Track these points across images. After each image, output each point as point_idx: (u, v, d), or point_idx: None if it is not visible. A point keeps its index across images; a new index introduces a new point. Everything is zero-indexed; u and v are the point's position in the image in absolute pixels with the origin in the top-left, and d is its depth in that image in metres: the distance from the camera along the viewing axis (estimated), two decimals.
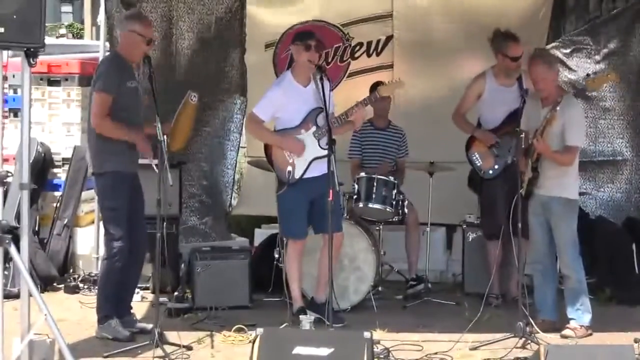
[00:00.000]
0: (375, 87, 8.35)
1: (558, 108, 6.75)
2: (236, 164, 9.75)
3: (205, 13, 9.18)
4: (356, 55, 9.60)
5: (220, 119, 9.46)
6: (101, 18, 8.92)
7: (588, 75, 7.15)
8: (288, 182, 7.17)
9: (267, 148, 7.30)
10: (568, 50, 9.04)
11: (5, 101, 8.05)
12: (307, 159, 7.13)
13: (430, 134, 8.99)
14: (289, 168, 7.16)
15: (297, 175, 7.15)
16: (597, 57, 8.95)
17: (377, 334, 6.53)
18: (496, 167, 7.89)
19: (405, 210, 8.04)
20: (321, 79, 7.04)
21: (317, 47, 7.18)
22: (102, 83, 6.67)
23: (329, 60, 9.40)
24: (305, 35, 7.35)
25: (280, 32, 9.46)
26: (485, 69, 8.07)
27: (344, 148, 8.38)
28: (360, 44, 9.58)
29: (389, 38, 9.53)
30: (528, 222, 6.98)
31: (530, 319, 6.67)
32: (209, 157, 9.45)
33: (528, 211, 7.01)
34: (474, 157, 7.97)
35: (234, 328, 6.83)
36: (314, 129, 7.12)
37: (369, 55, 9.59)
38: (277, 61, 9.50)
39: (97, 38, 10.39)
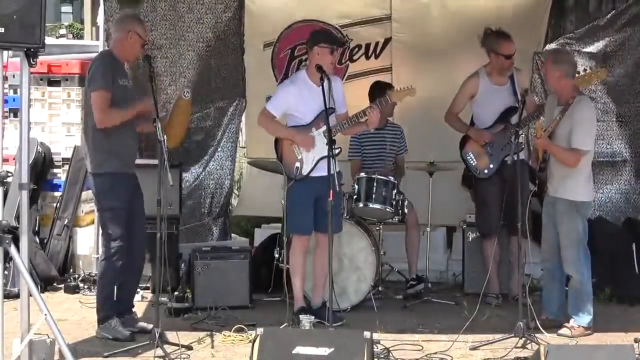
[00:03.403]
0: (375, 86, 8.37)
1: (567, 110, 6.79)
2: (233, 164, 9.72)
3: (205, 12, 9.18)
4: (354, 57, 9.56)
5: (220, 120, 9.44)
6: (100, 18, 8.91)
7: (578, 72, 7.12)
8: (295, 178, 7.19)
9: (277, 144, 7.33)
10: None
11: (5, 101, 8.06)
12: (316, 157, 7.15)
13: (430, 134, 8.99)
14: (297, 164, 7.19)
15: (304, 172, 7.17)
16: (594, 60, 8.93)
17: (377, 334, 6.53)
18: (491, 166, 7.91)
19: (405, 210, 8.04)
20: (321, 78, 7.04)
21: (338, 50, 7.31)
22: (98, 81, 6.68)
23: None
24: (331, 38, 7.39)
25: (279, 31, 9.46)
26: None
27: (344, 149, 8.38)
28: (359, 46, 9.54)
29: (388, 40, 9.50)
30: (532, 222, 6.99)
31: (534, 314, 6.67)
32: (208, 158, 9.44)
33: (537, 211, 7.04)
34: (469, 157, 7.99)
35: (234, 328, 6.83)
36: (324, 127, 7.13)
37: (367, 58, 9.55)
38: (275, 61, 9.49)
39: (97, 38, 10.36)
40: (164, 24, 9.05)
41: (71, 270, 8.77)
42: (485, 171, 7.95)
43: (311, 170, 7.16)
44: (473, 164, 7.98)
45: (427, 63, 9.37)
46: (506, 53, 7.83)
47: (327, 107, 6.89)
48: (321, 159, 7.10)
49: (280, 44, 9.46)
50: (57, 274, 8.53)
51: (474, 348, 6.51)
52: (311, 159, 7.16)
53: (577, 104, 6.90)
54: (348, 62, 9.55)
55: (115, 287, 6.79)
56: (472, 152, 7.98)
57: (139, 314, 7.19)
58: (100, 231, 7.29)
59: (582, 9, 9.25)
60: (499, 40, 7.86)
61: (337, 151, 6.82)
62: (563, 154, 6.92)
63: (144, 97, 6.81)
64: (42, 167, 8.95)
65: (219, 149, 9.47)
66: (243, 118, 9.62)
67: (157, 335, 6.19)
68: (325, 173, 6.94)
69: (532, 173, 7.37)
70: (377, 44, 9.53)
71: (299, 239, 7.28)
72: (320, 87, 7.07)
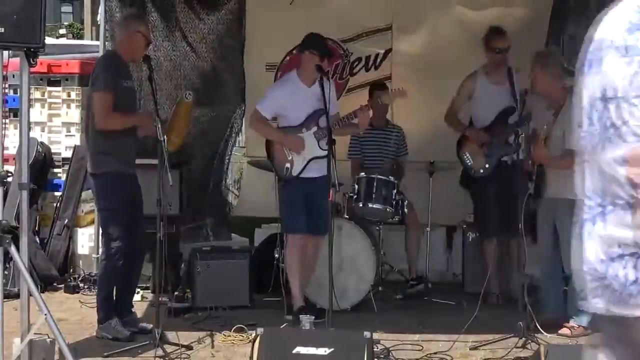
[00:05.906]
0: (374, 86, 8.37)
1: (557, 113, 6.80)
2: (229, 164, 9.69)
3: (206, 14, 9.15)
4: (355, 71, 9.50)
5: (221, 123, 9.41)
6: (101, 18, 8.91)
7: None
8: (285, 179, 7.22)
9: (268, 144, 7.34)
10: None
11: (5, 101, 8.04)
12: (306, 157, 7.16)
13: (430, 134, 8.98)
14: (287, 165, 7.21)
15: (294, 173, 7.19)
16: None
17: (377, 334, 6.52)
18: (487, 166, 7.91)
19: (405, 210, 8.04)
20: (321, 79, 7.04)
21: (329, 59, 7.31)
22: (101, 82, 6.68)
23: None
24: (323, 47, 7.33)
25: (282, 54, 9.38)
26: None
27: (344, 148, 8.38)
28: (359, 59, 9.48)
29: (388, 51, 9.46)
30: (531, 222, 6.98)
31: (533, 315, 6.67)
32: (208, 159, 9.43)
33: (536, 211, 7.04)
34: (465, 157, 8.00)
35: (234, 328, 6.83)
36: (314, 129, 7.14)
37: (367, 70, 9.49)
38: None
39: (97, 38, 10.37)
40: (166, 26, 9.02)
41: (71, 270, 8.77)
42: (481, 171, 7.95)
43: (301, 171, 7.17)
44: (469, 163, 7.99)
45: (427, 71, 9.30)
46: (496, 46, 7.83)
47: (327, 107, 6.89)
48: (312, 159, 7.11)
49: (284, 67, 9.33)
50: (57, 274, 8.53)
51: (474, 348, 6.51)
52: (302, 160, 7.17)
53: (569, 106, 6.90)
54: (349, 76, 9.50)
55: (116, 287, 6.80)
56: (468, 152, 7.98)
57: (139, 314, 7.19)
58: (101, 231, 7.28)
59: (582, 9, 9.23)
60: (492, 34, 7.89)
61: (325, 152, 6.80)
62: (563, 162, 6.91)
63: (145, 114, 6.82)
64: (42, 167, 8.94)
65: (219, 150, 9.45)
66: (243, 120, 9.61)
67: (157, 336, 6.19)
68: (316, 174, 6.97)
69: (530, 173, 7.37)
70: (377, 55, 9.47)
71: (293, 238, 7.29)
72: (312, 88, 7.08)
